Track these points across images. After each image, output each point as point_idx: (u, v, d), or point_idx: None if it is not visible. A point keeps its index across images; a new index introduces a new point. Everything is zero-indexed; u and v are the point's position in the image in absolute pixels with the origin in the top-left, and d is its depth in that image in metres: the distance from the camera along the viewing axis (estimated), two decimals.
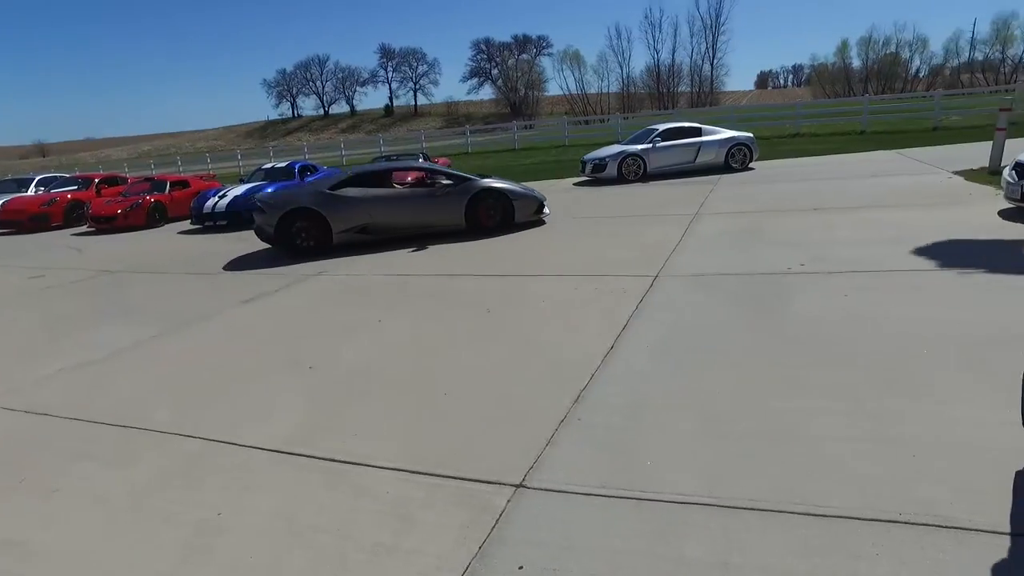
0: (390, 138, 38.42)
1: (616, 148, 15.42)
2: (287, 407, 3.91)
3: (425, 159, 14.40)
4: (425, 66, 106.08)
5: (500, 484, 2.86)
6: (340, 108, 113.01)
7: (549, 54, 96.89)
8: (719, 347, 4.24)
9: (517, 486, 2.84)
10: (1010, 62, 79.13)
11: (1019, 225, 6.78)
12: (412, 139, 38.28)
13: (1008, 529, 2.27)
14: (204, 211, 13.00)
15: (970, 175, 10.55)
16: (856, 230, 7.32)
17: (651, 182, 14.30)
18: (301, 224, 8.71)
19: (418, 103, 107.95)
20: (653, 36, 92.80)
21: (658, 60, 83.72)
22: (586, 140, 29.33)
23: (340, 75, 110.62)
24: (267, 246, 9.37)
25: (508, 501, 2.73)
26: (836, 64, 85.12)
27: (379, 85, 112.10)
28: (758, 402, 3.40)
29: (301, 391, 4.16)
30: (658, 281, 5.98)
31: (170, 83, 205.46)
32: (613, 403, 3.56)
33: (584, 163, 15.72)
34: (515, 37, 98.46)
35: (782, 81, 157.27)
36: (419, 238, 9.24)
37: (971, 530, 2.28)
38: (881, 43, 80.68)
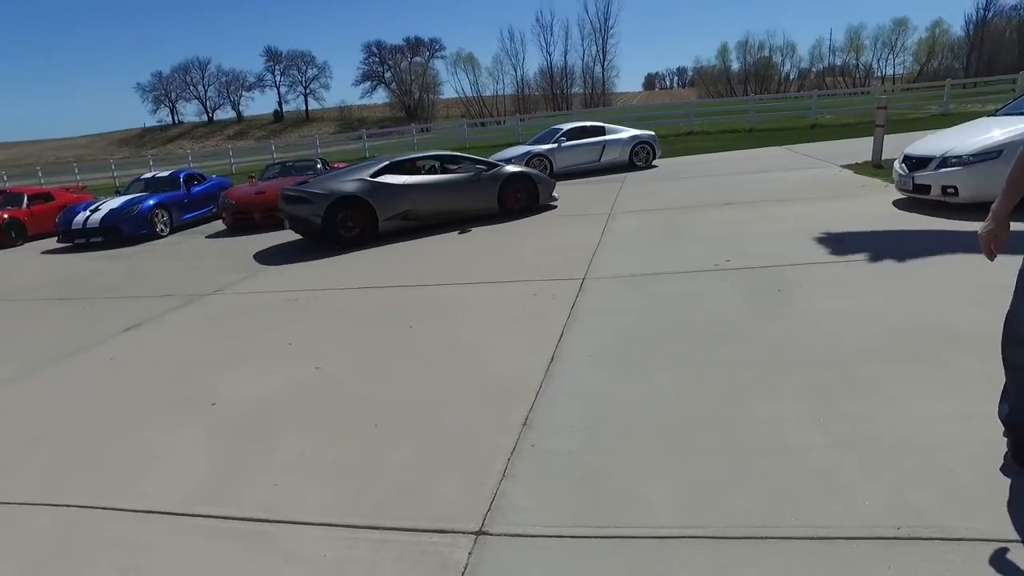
0: (282, 144, 36.67)
1: (522, 149, 15.28)
2: (187, 456, 3.31)
3: (324, 165, 13.58)
4: (315, 69, 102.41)
5: (457, 533, 2.47)
6: (226, 114, 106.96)
7: (442, 57, 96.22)
8: (663, 352, 4.03)
9: (477, 533, 2.45)
10: (862, 68, 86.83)
11: (913, 215, 7.12)
12: (306, 144, 36.60)
13: (1009, 536, 2.14)
14: (73, 227, 11.57)
15: (857, 168, 11.16)
16: (768, 223, 7.46)
17: (559, 182, 14.22)
18: (346, 213, 8.60)
19: (309, 108, 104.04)
20: (545, 39, 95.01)
21: (551, 62, 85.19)
22: (486, 142, 29.16)
23: (224, 79, 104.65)
24: (140, 261, 8.40)
25: (470, 554, 2.34)
26: (717, 66, 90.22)
27: (267, 90, 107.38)
28: (719, 411, 3.20)
29: (203, 434, 3.55)
30: (586, 284, 5.76)
31: (22, 85, 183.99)
32: (566, 423, 3.24)
33: None
34: (407, 39, 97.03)
35: (668, 83, 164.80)
36: (312, 246, 8.62)
37: (972, 540, 2.14)
38: (756, 47, 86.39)
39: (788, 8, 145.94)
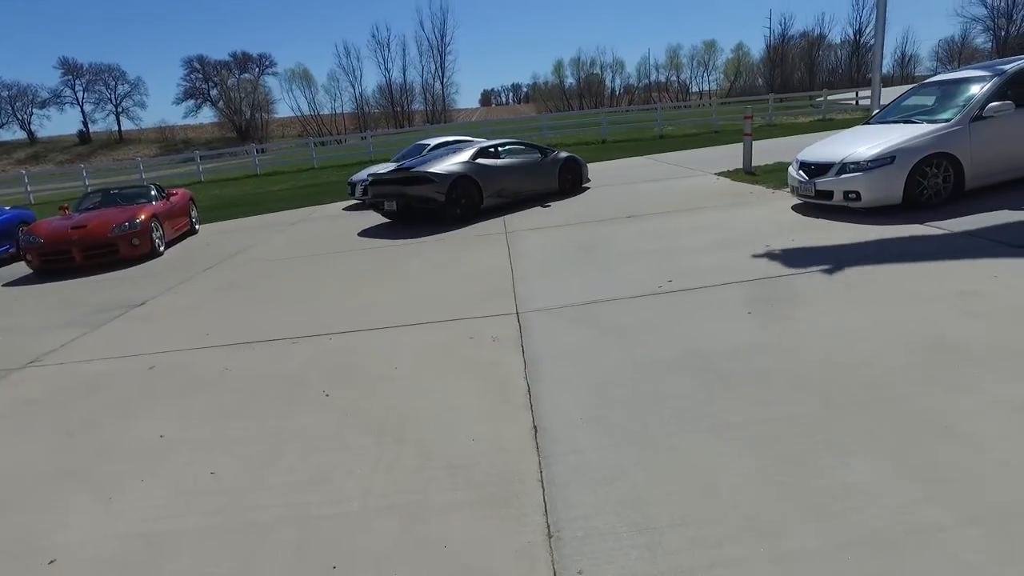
0: (93, 169, 31.92)
1: (387, 167, 14.13)
2: None
3: (158, 192, 11.57)
4: (127, 85, 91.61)
5: None
6: (12, 134, 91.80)
7: (274, 73, 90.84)
8: (666, 406, 3.31)
9: None
10: (677, 83, 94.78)
11: (822, 220, 7.11)
12: (125, 168, 32.23)
13: None
14: None
15: (732, 176, 11.42)
16: (690, 237, 7.11)
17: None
18: (461, 191, 9.68)
19: (123, 128, 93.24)
20: (383, 55, 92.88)
21: (390, 79, 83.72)
22: (337, 161, 27.44)
23: (7, 93, 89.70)
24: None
25: None
26: (552, 82, 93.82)
27: (66, 107, 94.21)
28: (786, 482, 2.52)
29: None
30: (525, 320, 4.94)
31: None
32: (608, 528, 2.39)
33: (353, 185, 14.11)
34: (233, 55, 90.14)
35: (504, 99, 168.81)
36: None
37: None
38: (588, 64, 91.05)
39: (616, 27, 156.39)
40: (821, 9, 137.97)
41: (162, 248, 10.27)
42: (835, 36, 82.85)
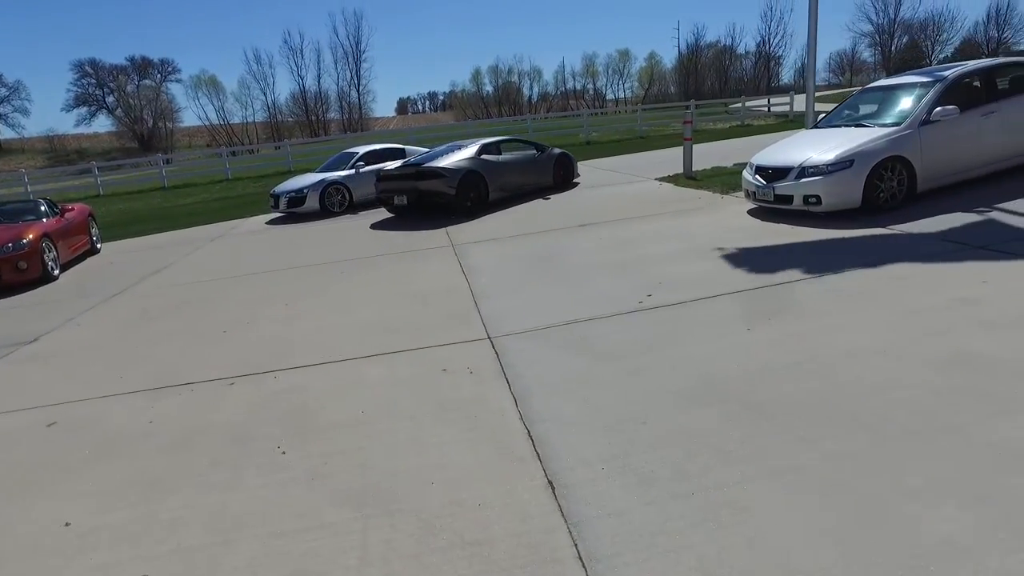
0: None
1: (313, 177, 13.22)
2: None
3: (50, 207, 10.23)
4: (4, 89, 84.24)
5: None
6: None
7: (178, 80, 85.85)
8: (697, 443, 2.86)
9: None
10: (593, 91, 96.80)
11: (783, 225, 6.94)
12: (7, 181, 29.13)
13: None
14: None
15: (675, 181, 11.30)
16: (650, 245, 6.79)
17: (361, 212, 12.50)
18: (470, 185, 10.12)
19: (2, 136, 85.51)
20: (296, 62, 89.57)
21: (304, 87, 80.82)
22: (252, 172, 25.87)
23: None
24: None
25: None
26: (469, 90, 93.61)
27: None
28: (882, 545, 2.11)
29: None
30: (500, 345, 4.40)
31: None
32: None
33: (276, 197, 13.12)
34: (131, 59, 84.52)
35: (420, 107, 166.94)
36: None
37: None
38: (507, 71, 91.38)
39: (533, 35, 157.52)
40: (731, 20, 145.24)
41: (56, 271, 9.03)
42: (743, 47, 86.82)
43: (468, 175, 10.17)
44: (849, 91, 37.21)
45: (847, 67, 79.88)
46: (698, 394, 3.35)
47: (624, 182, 12.19)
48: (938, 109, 6.98)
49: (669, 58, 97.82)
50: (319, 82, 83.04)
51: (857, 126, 7.50)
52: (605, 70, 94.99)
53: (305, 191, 12.57)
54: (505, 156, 11.21)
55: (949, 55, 64.14)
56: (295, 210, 12.67)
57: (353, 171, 13.03)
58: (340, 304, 6.04)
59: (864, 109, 7.98)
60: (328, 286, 6.78)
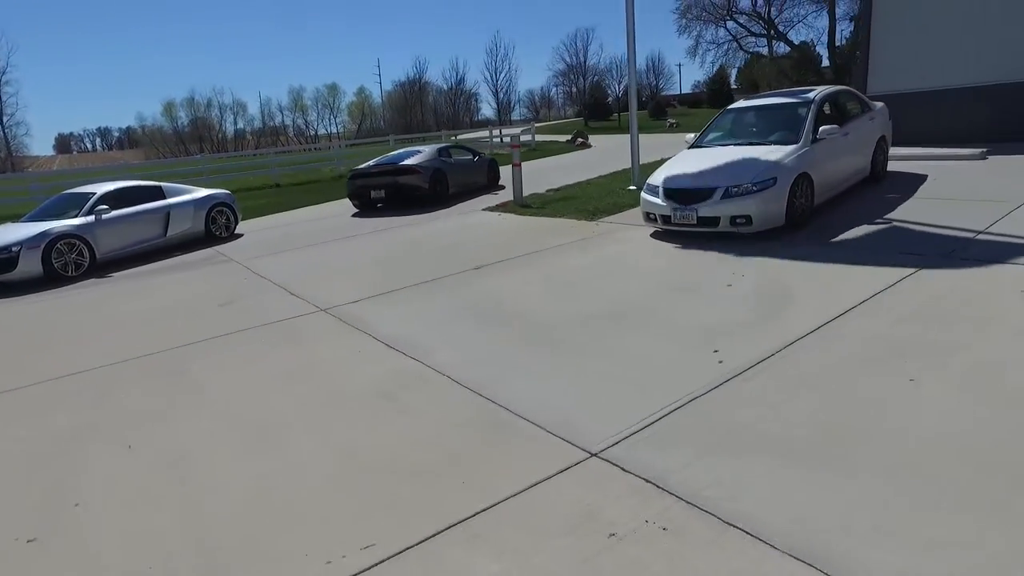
0: None
1: (30, 228, 9.13)
2: None
3: None
4: None
5: None
6: None
7: None
8: None
9: None
10: (304, 125, 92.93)
11: (712, 253, 6.39)
12: None
13: None
14: None
15: (512, 210, 10.34)
16: (599, 284, 5.66)
17: (113, 274, 9.06)
18: (438, 180, 12.27)
19: None
20: None
21: None
22: None
23: None
24: None
25: None
26: (159, 125, 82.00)
27: None
28: None
29: None
30: (595, 474, 2.82)
31: None
32: None
33: None
34: None
35: (89, 145, 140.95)
36: None
37: None
38: (205, 105, 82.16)
39: (231, 68, 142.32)
40: (429, 57, 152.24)
41: None
42: (442, 83, 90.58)
43: (436, 172, 12.27)
44: (551, 123, 41.18)
45: (545, 103, 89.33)
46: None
47: (450, 215, 10.85)
48: (824, 127, 7.15)
49: (378, 92, 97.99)
50: None
51: (749, 144, 7.36)
52: (315, 104, 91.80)
53: (15, 248, 8.63)
54: (455, 159, 13.48)
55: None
56: (5, 278, 8.62)
57: (92, 218, 9.43)
58: (245, 427, 3.66)
59: (741, 129, 7.93)
60: (196, 388, 4.20)
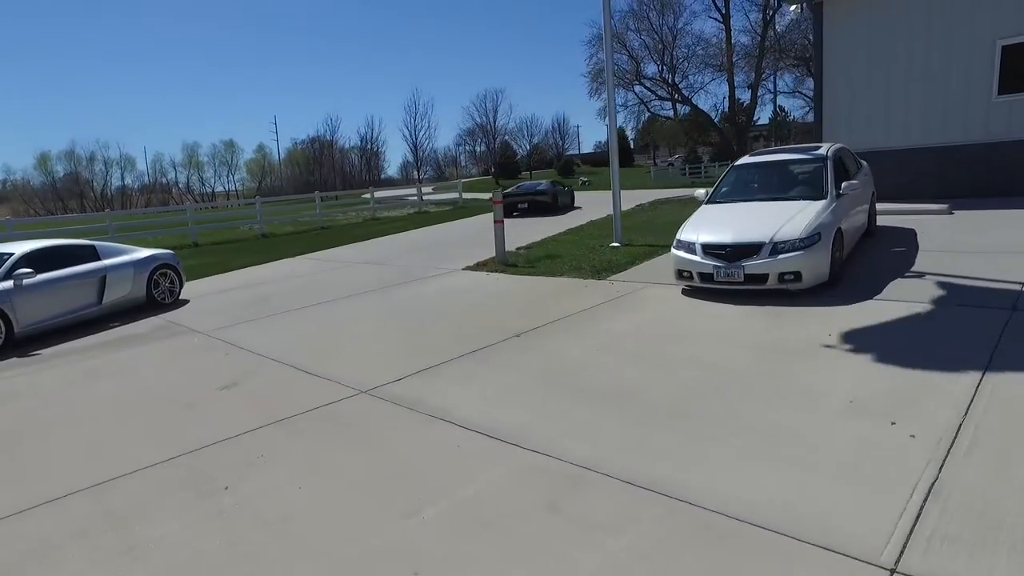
0: None
1: None
2: None
3: None
4: None
5: None
6: None
7: None
8: None
9: None
10: (200, 182, 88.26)
11: (767, 309, 6.10)
12: None
13: None
14: None
15: (498, 269, 9.77)
16: (658, 356, 5.14)
17: (37, 353, 7.54)
18: (552, 197, 20.58)
19: None
20: None
21: None
22: None
23: None
24: None
25: None
26: (30, 180, 74.83)
27: None
28: None
29: None
30: None
31: None
32: None
33: None
34: None
35: None
36: None
37: None
38: (87, 159, 76.11)
39: (117, 121, 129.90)
40: (337, 115, 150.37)
41: None
42: (347, 141, 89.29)
43: (552, 194, 20.59)
44: (464, 181, 41.42)
45: (446, 163, 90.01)
46: None
47: (417, 276, 10.06)
48: (844, 182, 7.18)
49: (284, 149, 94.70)
50: None
51: (772, 200, 7.25)
52: (211, 160, 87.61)
53: None
54: (558, 187, 21.91)
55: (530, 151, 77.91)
56: None
57: (11, 283, 7.88)
58: None
59: (757, 185, 7.86)
60: (260, 522, 3.19)
